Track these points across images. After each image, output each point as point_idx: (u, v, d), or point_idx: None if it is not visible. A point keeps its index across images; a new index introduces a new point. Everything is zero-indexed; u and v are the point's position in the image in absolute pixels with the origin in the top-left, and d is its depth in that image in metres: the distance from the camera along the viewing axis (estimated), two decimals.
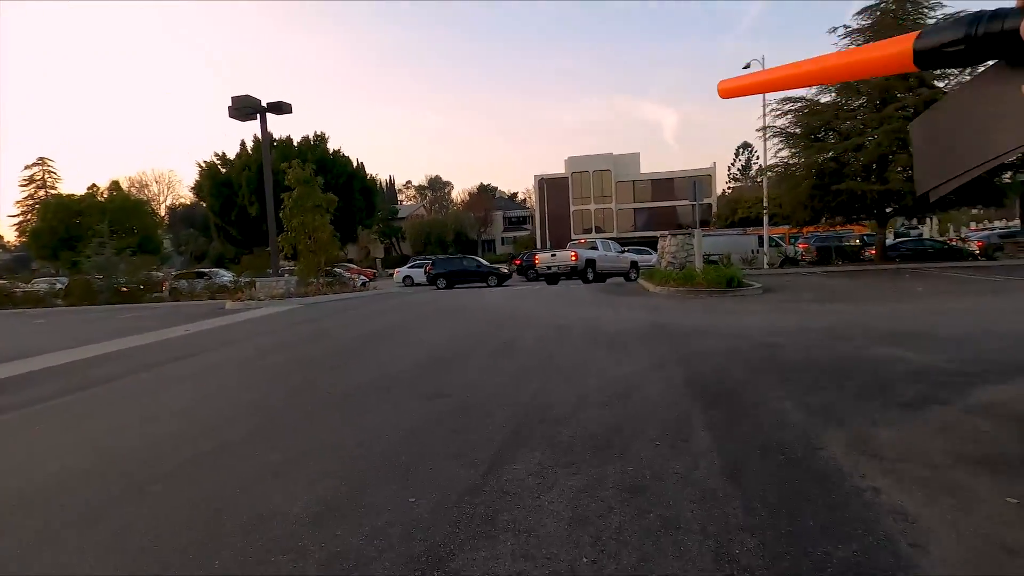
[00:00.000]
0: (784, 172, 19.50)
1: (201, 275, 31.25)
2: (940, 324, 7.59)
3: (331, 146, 30.50)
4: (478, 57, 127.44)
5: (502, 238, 74.30)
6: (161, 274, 33.85)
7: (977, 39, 0.53)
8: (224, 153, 29.83)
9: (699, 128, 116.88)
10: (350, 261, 57.31)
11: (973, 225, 60.38)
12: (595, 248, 24.33)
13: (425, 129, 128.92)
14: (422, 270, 31.41)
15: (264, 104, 17.39)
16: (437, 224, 66.43)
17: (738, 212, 50.85)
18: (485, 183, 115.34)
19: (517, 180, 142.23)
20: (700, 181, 15.13)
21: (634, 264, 25.42)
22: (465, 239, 68.46)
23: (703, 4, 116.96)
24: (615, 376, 5.33)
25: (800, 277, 17.22)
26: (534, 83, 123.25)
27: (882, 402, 4.19)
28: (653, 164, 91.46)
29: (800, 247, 29.53)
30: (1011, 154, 0.57)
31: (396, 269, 35.16)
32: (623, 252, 25.93)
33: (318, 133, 28.30)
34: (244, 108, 16.98)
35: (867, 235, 30.68)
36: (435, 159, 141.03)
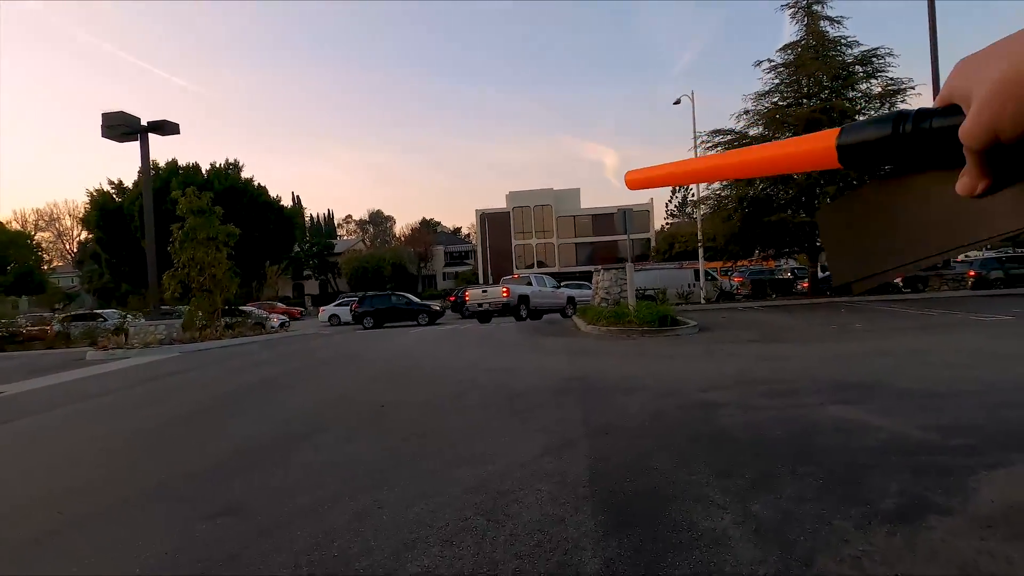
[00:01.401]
0: (716, 205, 19.11)
1: (94, 316, 27.83)
2: (894, 370, 6.55)
3: (257, 179, 28.24)
4: (426, 94, 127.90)
5: (443, 273, 72.57)
6: (54, 314, 29.97)
7: (903, 137, 0.33)
8: (121, 181, 26.80)
9: (636, 166, 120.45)
10: (277, 299, 53.99)
11: None
12: (530, 284, 23.12)
13: (370, 165, 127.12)
14: (349, 308, 29.29)
15: (144, 123, 15.25)
16: (374, 259, 63.95)
17: (675, 247, 51.61)
18: (428, 218, 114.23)
19: (461, 215, 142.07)
20: (629, 211, 14.22)
21: (571, 300, 24.36)
22: (405, 274, 66.26)
23: (642, 50, 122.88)
24: (493, 472, 3.78)
25: (736, 313, 16.50)
26: (479, 122, 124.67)
27: (861, 512, 2.84)
28: (596, 200, 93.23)
29: (735, 280, 29.50)
30: (937, 258, 0.36)
31: (322, 308, 32.72)
32: (559, 287, 24.86)
33: (231, 161, 26.00)
34: (118, 127, 14.79)
35: (798, 268, 31.10)
36: (378, 195, 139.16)
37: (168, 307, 18.38)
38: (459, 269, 71.29)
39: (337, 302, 32.81)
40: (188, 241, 15.90)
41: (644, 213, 64.65)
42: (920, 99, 22.64)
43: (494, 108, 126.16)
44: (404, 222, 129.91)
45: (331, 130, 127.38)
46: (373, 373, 8.97)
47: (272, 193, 28.28)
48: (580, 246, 65.37)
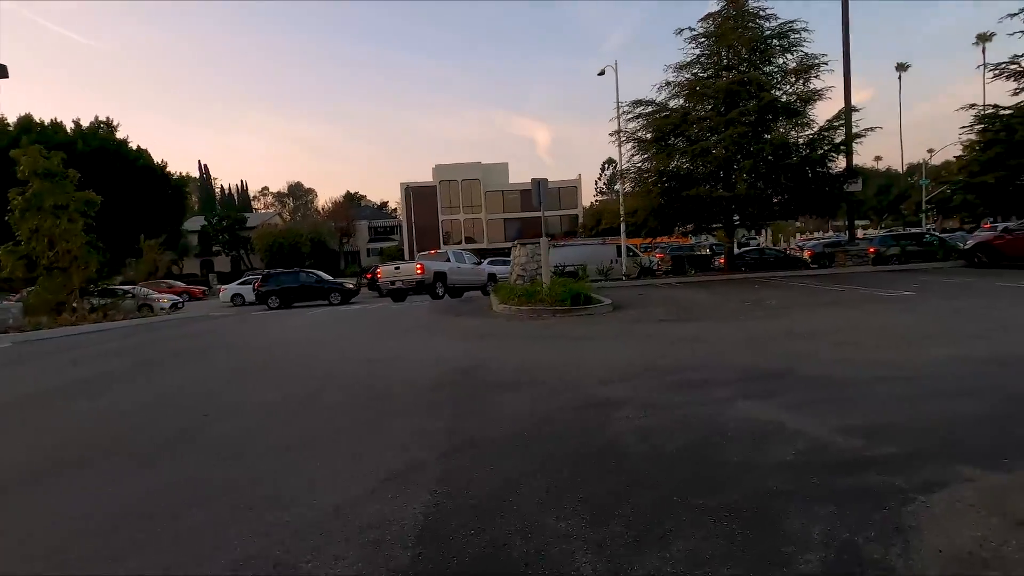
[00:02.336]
0: (638, 179, 18.64)
1: None
2: (807, 354, 6.02)
3: (158, 147, 24.80)
4: (353, 64, 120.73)
5: (368, 249, 69.53)
6: None
7: None
8: None
9: (568, 144, 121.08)
10: (175, 277, 49.35)
11: (799, 236, 67.90)
12: (448, 260, 21.87)
13: (293, 136, 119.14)
14: (252, 287, 26.87)
15: None
16: (291, 234, 59.97)
17: (602, 223, 51.80)
18: (353, 192, 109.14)
19: (388, 190, 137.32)
20: (543, 182, 13.28)
21: (492, 277, 23.41)
22: (325, 250, 62.83)
23: (574, 25, 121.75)
24: (289, 525, 2.68)
25: (654, 289, 16.14)
26: (410, 95, 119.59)
27: None
28: (528, 176, 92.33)
29: (657, 257, 29.66)
30: None
31: (223, 286, 29.88)
32: (480, 264, 23.80)
33: (102, 119, 22.48)
34: None
35: (716, 244, 31.72)
36: (301, 167, 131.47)
37: (17, 289, 15.65)
38: (384, 245, 68.49)
39: (240, 280, 30.12)
40: (31, 210, 13.36)
41: (572, 189, 64.67)
42: (831, 76, 22.94)
43: (425, 80, 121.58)
44: (328, 196, 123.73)
45: (250, 98, 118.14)
46: (231, 366, 7.56)
47: (174, 162, 25.16)
48: (509, 222, 64.40)
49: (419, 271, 19.85)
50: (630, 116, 19.06)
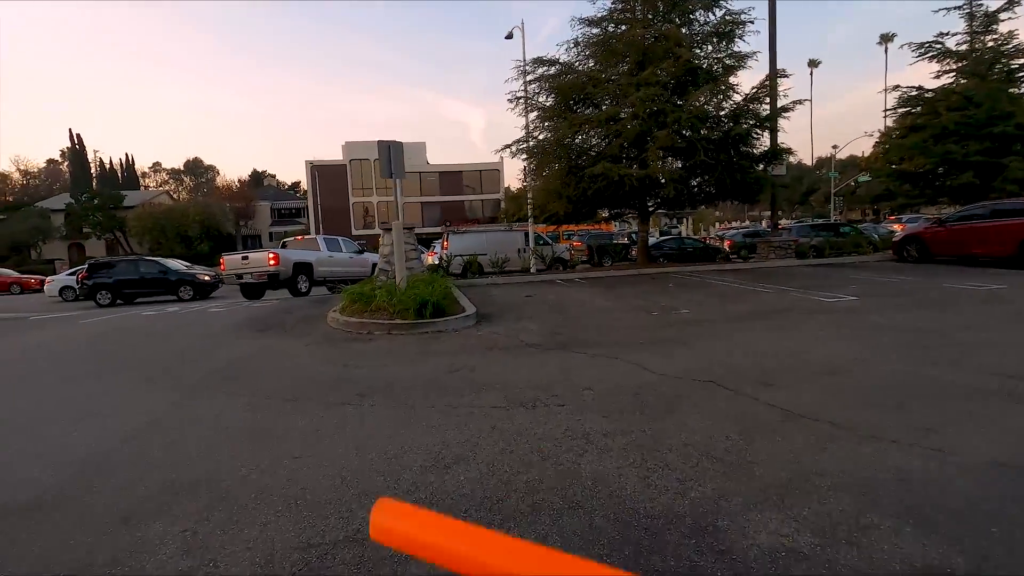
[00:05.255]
0: (537, 153, 15.59)
1: None
2: (735, 458, 3.11)
3: None
4: (271, 29, 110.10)
5: (271, 233, 63.14)
6: None
7: None
8: None
9: (504, 128, 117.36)
10: (34, 262, 41.73)
11: (718, 225, 68.26)
12: (317, 249, 18.04)
13: (196, 107, 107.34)
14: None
15: None
16: (176, 214, 52.91)
17: (523, 209, 48.91)
18: (261, 170, 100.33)
19: (301, 170, 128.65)
20: (396, 145, 9.92)
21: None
22: (219, 233, 56.13)
23: (507, 7, 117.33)
24: None
25: (551, 288, 13.22)
26: (335, 70, 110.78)
27: None
28: (459, 159, 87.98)
29: (575, 245, 27.03)
30: None
31: (49, 278, 24.24)
32: (362, 252, 20.10)
33: None
34: None
35: (635, 232, 29.63)
36: (204, 143, 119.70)
37: None
38: (289, 228, 62.36)
39: (70, 271, 24.62)
40: None
41: (495, 173, 61.32)
42: (756, 39, 20.82)
43: (353, 57, 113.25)
44: (234, 175, 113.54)
45: (151, 65, 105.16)
46: None
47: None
48: (427, 205, 60.27)
49: (272, 262, 15.92)
50: (531, 78, 15.92)
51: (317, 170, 56.25)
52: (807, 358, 5.24)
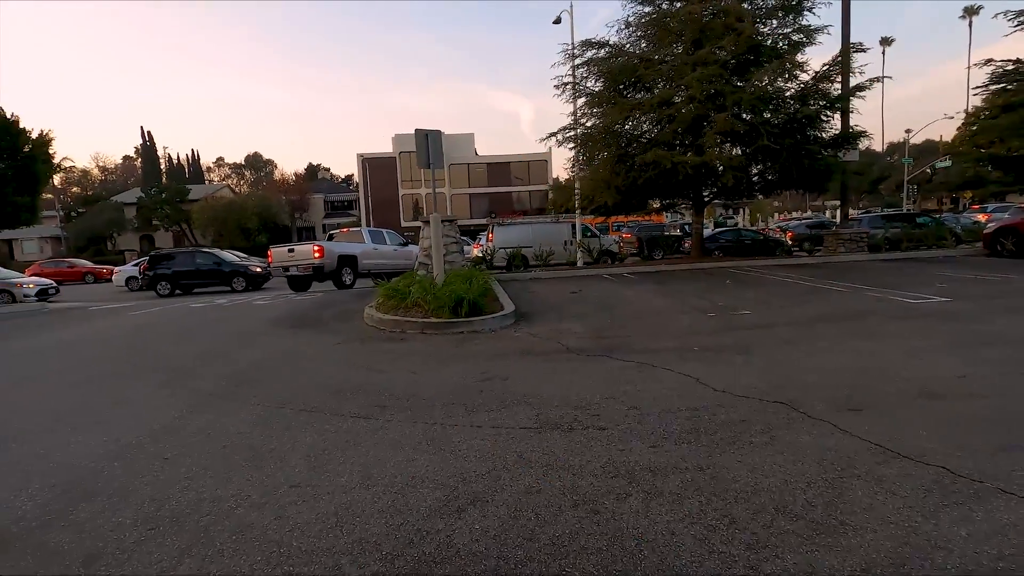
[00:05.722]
0: (585, 142, 14.77)
1: None
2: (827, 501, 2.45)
3: None
4: (330, 30, 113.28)
5: (324, 225, 64.75)
6: None
7: None
8: None
9: (556, 119, 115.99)
10: (110, 253, 44.46)
11: (777, 215, 64.66)
12: (362, 241, 17.99)
13: (258, 104, 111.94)
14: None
15: None
16: (236, 207, 55.04)
17: (571, 200, 47.92)
18: (316, 164, 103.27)
19: (355, 164, 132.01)
20: (434, 135, 9.49)
21: None
22: (275, 225, 58.01)
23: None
24: None
25: (599, 284, 12.53)
26: (387, 65, 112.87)
27: None
28: (506, 150, 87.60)
29: (625, 237, 26.04)
30: None
31: (117, 268, 25.47)
32: (406, 245, 19.95)
33: None
34: None
35: (687, 224, 28.37)
36: (265, 138, 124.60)
37: None
38: (341, 220, 63.76)
39: (135, 262, 25.80)
40: None
41: (542, 163, 60.40)
42: (826, 12, 19.18)
43: (403, 52, 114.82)
44: (291, 168, 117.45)
45: (207, 63, 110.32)
46: None
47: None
48: (475, 197, 60.11)
49: (317, 254, 15.96)
50: (580, 62, 15.12)
51: (368, 162, 57.15)
52: (899, 375, 4.42)
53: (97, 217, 55.61)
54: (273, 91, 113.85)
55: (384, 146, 59.95)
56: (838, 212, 20.55)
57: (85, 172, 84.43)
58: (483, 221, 47.93)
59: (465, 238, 30.90)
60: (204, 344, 7.62)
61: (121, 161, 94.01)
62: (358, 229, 19.74)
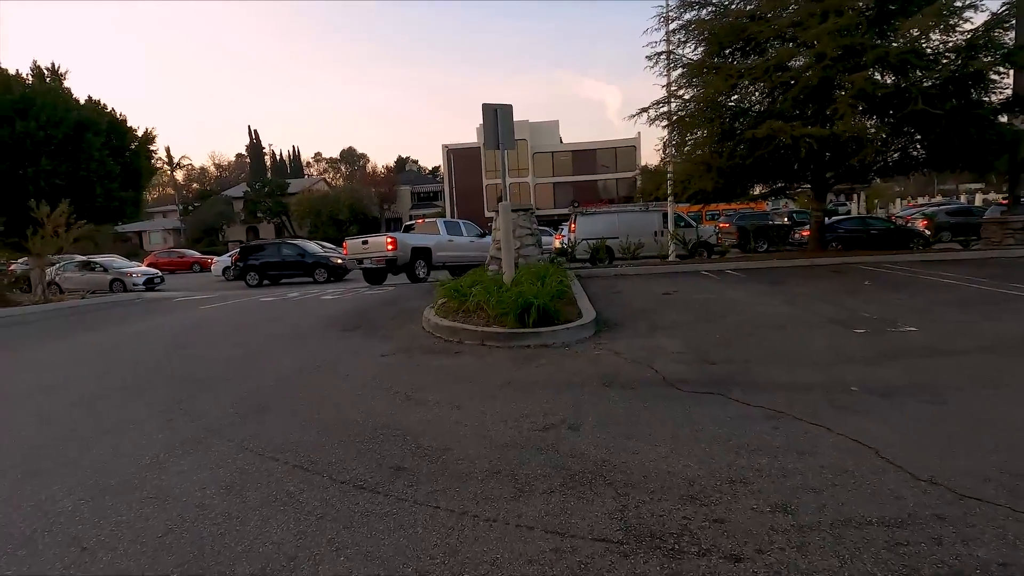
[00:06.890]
0: (680, 118, 12.71)
1: None
2: None
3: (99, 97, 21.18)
4: (420, 24, 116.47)
5: (410, 216, 66.04)
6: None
7: None
8: None
9: (637, 103, 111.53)
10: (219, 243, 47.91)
11: (900, 201, 56.95)
12: (435, 233, 17.21)
13: (351, 101, 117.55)
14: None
15: None
16: (329, 200, 57.38)
17: (662, 187, 45.03)
18: (404, 156, 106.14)
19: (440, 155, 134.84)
20: (503, 109, 8.21)
21: None
22: (364, 217, 59.87)
23: None
24: None
25: (697, 282, 10.70)
26: (473, 56, 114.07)
27: None
28: (588, 138, 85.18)
29: (721, 227, 23.35)
30: None
31: (214, 259, 26.79)
32: (483, 236, 18.93)
33: (46, 66, 19.00)
34: None
35: (797, 212, 25.15)
36: (358, 133, 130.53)
37: None
38: (427, 211, 64.67)
39: (230, 253, 26.96)
40: None
41: (630, 149, 57.45)
42: None
43: (494, 42, 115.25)
44: (383, 161, 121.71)
45: (308, 62, 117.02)
46: None
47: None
48: (559, 186, 58.53)
49: (390, 247, 15.33)
50: (676, 26, 13.12)
51: (452, 153, 57.25)
52: None
53: (209, 210, 60.24)
54: (367, 89, 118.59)
55: (469, 136, 59.69)
56: (977, 196, 16.84)
57: (203, 169, 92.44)
58: (566, 211, 46.28)
59: (547, 228, 29.51)
60: (243, 348, 6.89)
61: (234, 159, 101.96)
62: (434, 220, 19.00)
